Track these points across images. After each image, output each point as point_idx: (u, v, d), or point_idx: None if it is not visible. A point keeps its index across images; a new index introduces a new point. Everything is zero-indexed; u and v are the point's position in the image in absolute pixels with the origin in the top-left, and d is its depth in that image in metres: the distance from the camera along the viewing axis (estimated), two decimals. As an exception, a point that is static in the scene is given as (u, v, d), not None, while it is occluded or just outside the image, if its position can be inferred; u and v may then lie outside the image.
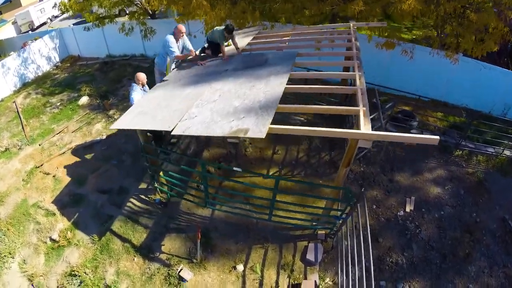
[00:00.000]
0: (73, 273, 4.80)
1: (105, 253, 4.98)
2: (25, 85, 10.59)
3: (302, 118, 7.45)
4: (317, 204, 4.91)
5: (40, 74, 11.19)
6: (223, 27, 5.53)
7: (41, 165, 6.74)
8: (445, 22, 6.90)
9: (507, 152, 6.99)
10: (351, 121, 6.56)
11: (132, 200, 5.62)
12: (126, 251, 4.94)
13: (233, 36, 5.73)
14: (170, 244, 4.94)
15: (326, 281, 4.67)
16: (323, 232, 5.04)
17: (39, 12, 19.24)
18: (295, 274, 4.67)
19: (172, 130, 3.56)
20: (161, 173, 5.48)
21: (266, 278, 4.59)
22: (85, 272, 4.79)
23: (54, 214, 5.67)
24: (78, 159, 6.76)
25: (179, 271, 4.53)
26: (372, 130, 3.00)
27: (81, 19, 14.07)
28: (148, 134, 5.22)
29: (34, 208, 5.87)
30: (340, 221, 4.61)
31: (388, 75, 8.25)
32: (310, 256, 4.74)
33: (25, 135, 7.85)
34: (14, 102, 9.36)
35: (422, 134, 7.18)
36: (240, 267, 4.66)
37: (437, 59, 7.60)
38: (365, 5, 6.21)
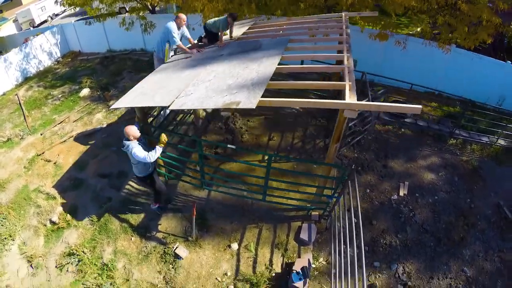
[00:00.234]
0: (71, 252, 4.91)
1: (103, 233, 5.09)
2: (26, 79, 10.77)
3: (297, 107, 7.59)
4: (311, 185, 5.01)
5: (41, 69, 11.39)
6: (224, 16, 5.72)
7: (43, 153, 6.88)
8: (437, 13, 7.05)
9: (501, 142, 7.08)
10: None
11: (130, 183, 5.75)
12: (124, 231, 5.05)
13: (232, 25, 5.92)
14: (166, 224, 5.05)
15: (319, 261, 4.76)
16: (317, 213, 5.14)
17: (40, 10, 19.48)
18: (289, 253, 4.76)
19: (169, 106, 3.70)
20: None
21: (260, 256, 4.68)
22: (83, 252, 4.90)
23: (55, 198, 5.80)
24: (79, 147, 6.90)
25: (175, 249, 4.64)
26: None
27: (81, 17, 14.29)
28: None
29: (35, 193, 6.00)
30: (333, 200, 4.71)
31: (382, 67, 8.39)
32: (303, 236, 4.84)
33: (27, 125, 8.01)
34: (16, 94, 9.54)
35: (416, 122, 7.29)
36: (235, 246, 4.76)
37: (431, 50, 7.75)
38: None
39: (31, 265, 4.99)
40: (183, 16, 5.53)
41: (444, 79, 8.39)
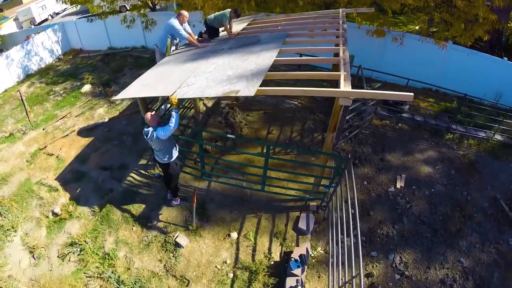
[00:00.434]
0: (73, 242, 4.99)
1: (105, 223, 5.17)
2: (28, 76, 10.88)
3: (296, 102, 7.70)
4: (308, 176, 5.10)
5: (43, 66, 11.50)
6: (227, 10, 5.85)
7: (45, 147, 6.97)
8: (433, 10, 7.16)
9: (498, 137, 7.17)
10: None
11: (132, 174, 5.84)
12: (125, 221, 5.13)
13: (231, 21, 6.04)
14: (167, 213, 5.14)
15: (317, 250, 4.84)
16: (315, 203, 5.23)
17: (41, 9, 19.63)
18: (288, 242, 4.84)
19: (172, 95, 3.80)
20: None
21: (259, 245, 4.77)
22: (85, 241, 4.97)
23: (57, 190, 5.88)
24: (81, 141, 6.99)
25: (176, 238, 4.72)
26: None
27: (82, 16, 14.42)
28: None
29: (38, 186, 6.07)
30: (331, 190, 4.80)
31: (379, 63, 8.48)
32: (302, 225, 4.92)
33: (29, 120, 8.10)
34: (18, 90, 9.63)
35: (413, 117, 7.40)
36: (234, 235, 4.85)
37: (427, 46, 7.85)
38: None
39: (33, 256, 5.05)
40: (185, 13, 5.66)
41: (441, 75, 8.49)
